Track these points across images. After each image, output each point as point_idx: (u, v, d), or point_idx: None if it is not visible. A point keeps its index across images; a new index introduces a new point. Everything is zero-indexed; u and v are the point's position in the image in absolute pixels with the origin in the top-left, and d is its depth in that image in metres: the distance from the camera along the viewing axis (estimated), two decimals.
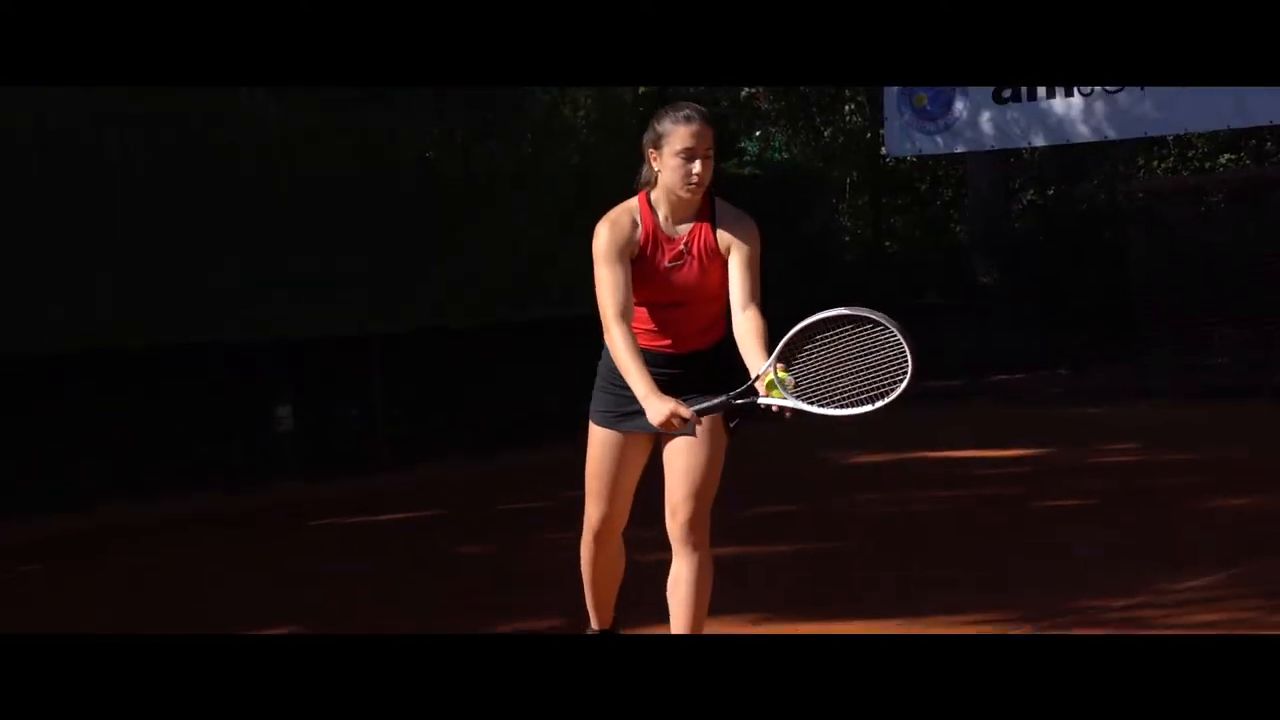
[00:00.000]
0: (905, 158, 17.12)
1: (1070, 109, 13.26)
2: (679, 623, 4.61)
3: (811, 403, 4.29)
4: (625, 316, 4.45)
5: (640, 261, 4.50)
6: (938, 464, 10.23)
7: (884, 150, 14.73)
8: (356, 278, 10.98)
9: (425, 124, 11.92)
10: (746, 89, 19.98)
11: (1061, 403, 13.31)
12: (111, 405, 9.96)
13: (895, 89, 13.93)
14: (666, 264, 4.51)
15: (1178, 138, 18.50)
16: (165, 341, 10.12)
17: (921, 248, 17.96)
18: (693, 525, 4.59)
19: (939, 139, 13.92)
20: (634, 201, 4.58)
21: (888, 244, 16.76)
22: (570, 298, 12.04)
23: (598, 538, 4.83)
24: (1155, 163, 19.01)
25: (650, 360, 4.48)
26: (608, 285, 4.46)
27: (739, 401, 4.33)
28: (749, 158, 17.08)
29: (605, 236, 4.51)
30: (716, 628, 5.58)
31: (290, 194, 10.73)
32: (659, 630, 4.84)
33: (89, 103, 9.77)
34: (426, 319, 11.47)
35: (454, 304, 11.67)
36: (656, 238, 4.51)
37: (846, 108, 19.72)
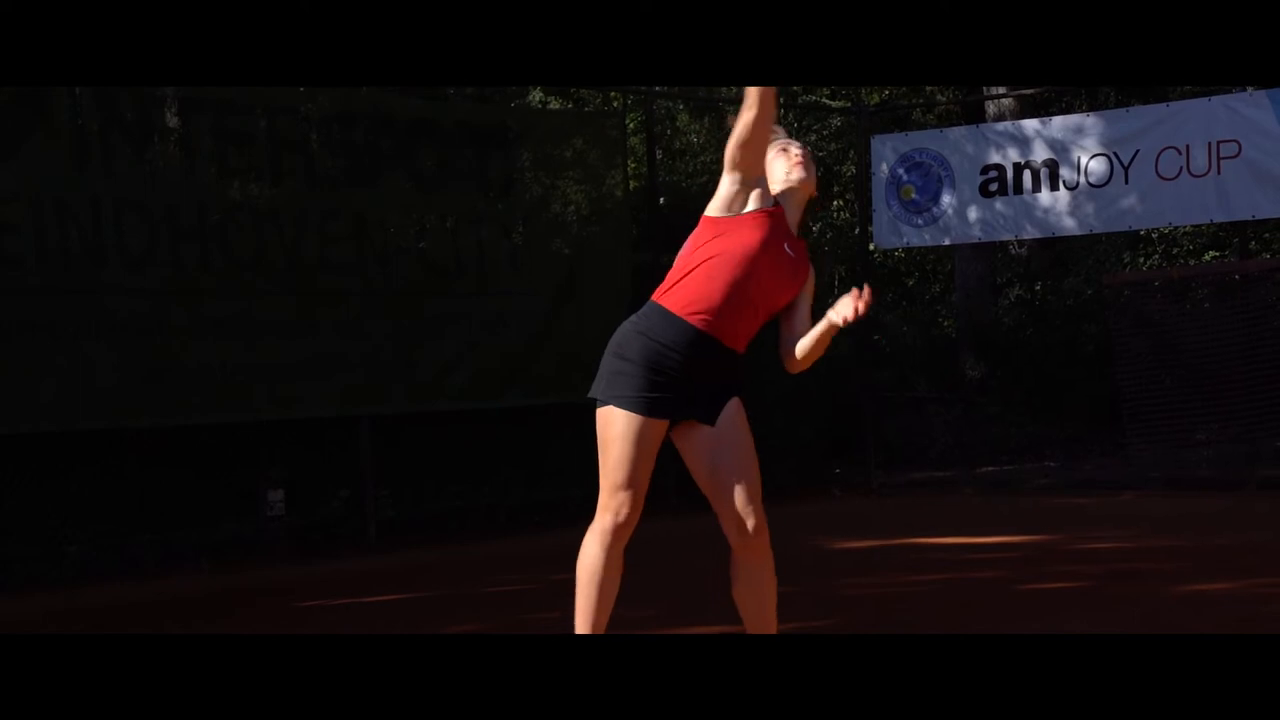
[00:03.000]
0: (893, 251, 17.28)
1: (1056, 202, 13.42)
2: (767, 623, 4.77)
3: None
4: None
5: (762, 223, 4.65)
6: (924, 549, 10.25)
7: (873, 244, 14.87)
8: (347, 360, 11.05)
9: (416, 210, 12.05)
10: None
11: (1049, 492, 13.34)
12: (102, 484, 9.98)
13: (885, 181, 14.08)
14: (787, 249, 4.70)
15: (1162, 235, 18.70)
16: (155, 422, 10.16)
17: (910, 341, 18.07)
18: (762, 527, 4.63)
19: (926, 232, 14.06)
20: None
21: (877, 337, 16.85)
22: (559, 385, 12.12)
23: (616, 534, 4.68)
24: (1140, 260, 19.19)
25: (698, 343, 4.55)
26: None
27: None
28: None
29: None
30: None
31: (282, 276, 10.82)
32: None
33: (79, 181, 9.89)
34: (417, 402, 11.53)
35: (444, 388, 11.73)
36: (780, 221, 4.70)
37: (835, 204, 19.94)
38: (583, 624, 4.86)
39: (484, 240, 12.28)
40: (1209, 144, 12.61)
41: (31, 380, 9.60)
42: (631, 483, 4.62)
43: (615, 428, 4.57)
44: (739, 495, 4.57)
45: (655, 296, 4.67)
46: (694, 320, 4.55)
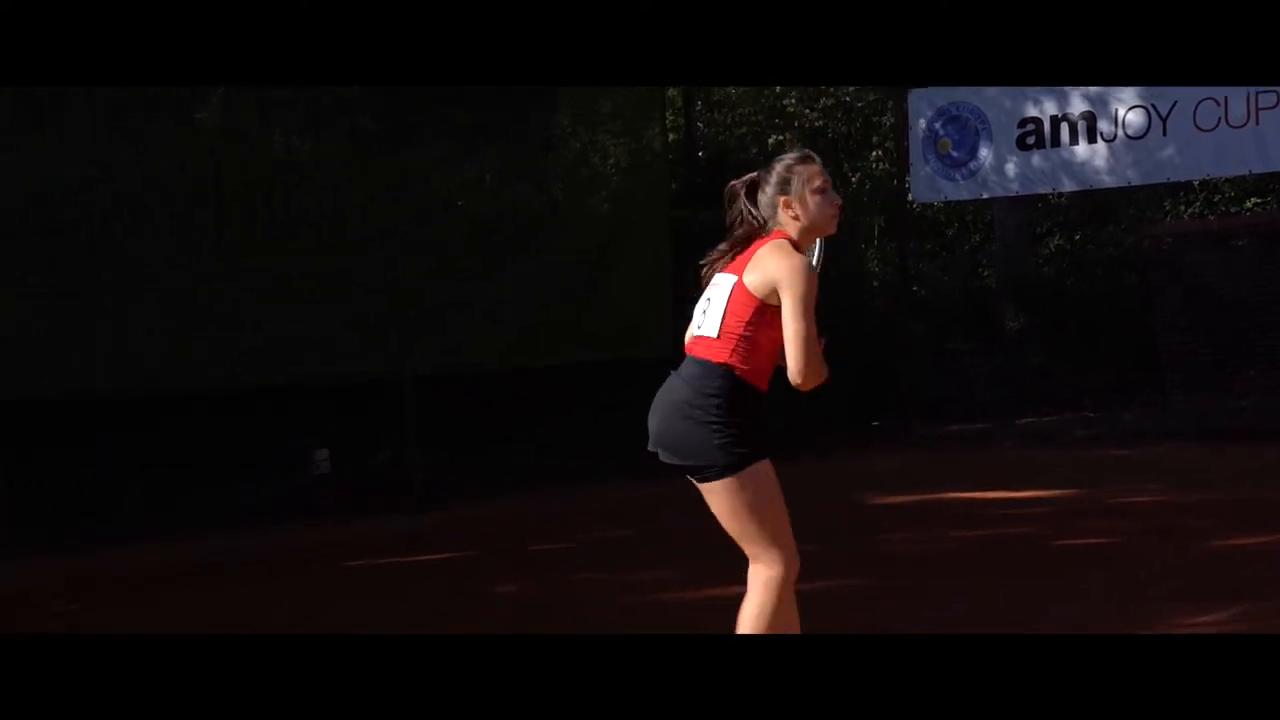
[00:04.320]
0: (932, 203, 17.29)
1: (1094, 155, 13.41)
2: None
3: None
4: None
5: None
6: (963, 504, 10.36)
7: (910, 196, 14.90)
8: (390, 318, 11.19)
9: (457, 166, 12.14)
10: (775, 137, 20.22)
11: (1088, 445, 13.40)
12: (154, 446, 10.19)
13: (921, 136, 14.10)
14: None
15: (1204, 182, 18.62)
16: (203, 385, 10.35)
17: (949, 292, 18.09)
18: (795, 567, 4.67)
19: (964, 186, 14.08)
20: (785, 241, 4.67)
21: (916, 289, 16.88)
22: (602, 341, 12.25)
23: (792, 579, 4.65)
24: (1181, 207, 19.12)
25: (757, 407, 4.58)
26: (811, 325, 4.53)
27: None
28: None
29: (811, 277, 4.57)
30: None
31: (325, 236, 10.95)
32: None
33: (126, 149, 10.03)
34: (459, 361, 11.66)
35: (485, 345, 11.85)
36: None
37: (873, 154, 19.93)
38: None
39: (524, 198, 12.39)
40: (1248, 95, 12.57)
41: (89, 343, 9.81)
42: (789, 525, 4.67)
43: (762, 479, 4.59)
44: (782, 539, 4.62)
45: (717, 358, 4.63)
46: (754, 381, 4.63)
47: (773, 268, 4.55)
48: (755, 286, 4.57)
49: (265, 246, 10.66)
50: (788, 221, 4.68)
